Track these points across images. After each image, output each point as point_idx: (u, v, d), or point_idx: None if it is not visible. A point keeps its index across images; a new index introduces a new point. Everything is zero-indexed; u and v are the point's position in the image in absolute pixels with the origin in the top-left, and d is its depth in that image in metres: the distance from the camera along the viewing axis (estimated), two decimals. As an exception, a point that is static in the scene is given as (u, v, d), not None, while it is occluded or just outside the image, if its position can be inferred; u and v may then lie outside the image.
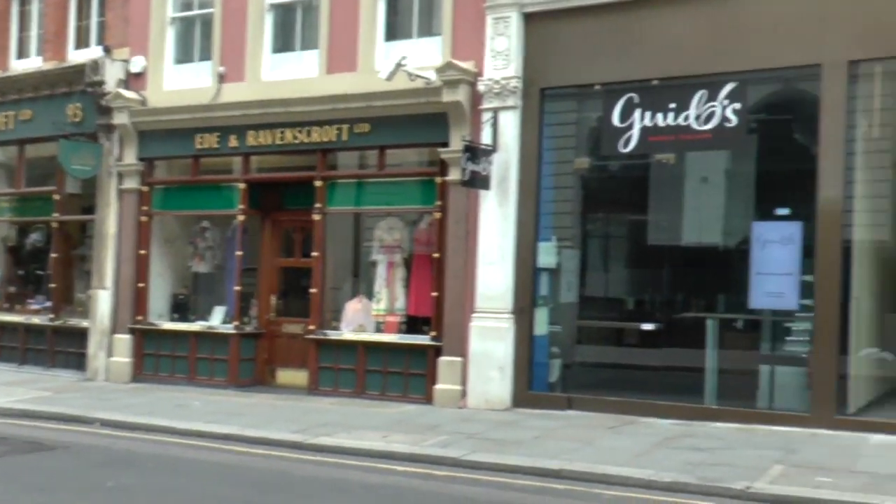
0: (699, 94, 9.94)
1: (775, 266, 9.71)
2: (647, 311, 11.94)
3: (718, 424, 9.49)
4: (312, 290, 12.30)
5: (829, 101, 9.32)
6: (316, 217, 12.27)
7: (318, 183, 12.25)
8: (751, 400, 10.04)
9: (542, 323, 10.91)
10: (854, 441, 8.69)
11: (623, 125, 10.34)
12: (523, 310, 10.73)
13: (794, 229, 9.69)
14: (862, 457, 8.11)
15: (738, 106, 9.79)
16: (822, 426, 9.12)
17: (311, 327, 12.24)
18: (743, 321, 10.68)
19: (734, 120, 9.81)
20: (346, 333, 12.16)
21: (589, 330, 11.73)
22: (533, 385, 10.75)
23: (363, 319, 12.19)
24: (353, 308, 12.32)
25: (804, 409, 9.44)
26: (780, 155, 10.62)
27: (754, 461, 7.88)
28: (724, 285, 10.96)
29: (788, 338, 10.05)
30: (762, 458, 7.97)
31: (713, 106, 9.88)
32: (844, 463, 7.84)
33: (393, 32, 12.06)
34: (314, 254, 12.34)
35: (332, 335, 12.17)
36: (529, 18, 10.78)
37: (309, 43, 12.63)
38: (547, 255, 10.95)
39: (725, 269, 11.01)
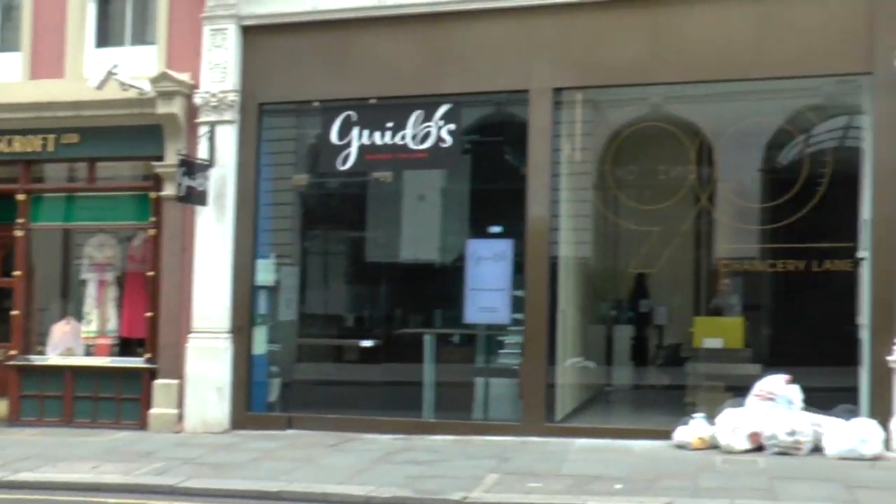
0: (416, 115, 10.17)
1: (489, 282, 10.10)
2: (366, 327, 12.08)
3: (437, 437, 9.72)
4: (14, 312, 11.44)
5: (537, 125, 9.82)
6: (18, 233, 11.42)
7: (20, 196, 11.43)
8: (467, 412, 10.38)
9: (260, 342, 10.74)
10: (561, 446, 9.17)
11: (341, 143, 10.40)
12: (242, 329, 10.52)
13: (506, 246, 10.12)
14: (567, 461, 8.56)
15: (452, 127, 10.10)
16: (533, 434, 9.55)
17: (13, 352, 11.37)
18: (459, 336, 11.03)
19: (449, 140, 10.10)
20: (53, 358, 11.41)
21: (309, 348, 11.70)
22: (252, 405, 10.56)
23: (72, 342, 11.50)
24: (61, 330, 11.60)
25: (516, 419, 9.86)
26: (493, 175, 11.09)
27: (471, 471, 8.11)
28: (441, 301, 11.29)
29: (501, 351, 10.50)
30: (478, 468, 8.22)
31: (429, 126, 10.14)
32: (552, 467, 8.25)
33: (105, 38, 11.47)
34: (16, 273, 11.47)
35: (37, 360, 11.39)
36: (247, 32, 10.61)
37: (10, 44, 11.75)
38: (265, 272, 10.81)
39: (442, 285, 11.35)
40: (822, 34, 9.14)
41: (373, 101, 10.44)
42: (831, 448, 8.47)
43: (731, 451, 8.67)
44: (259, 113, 10.66)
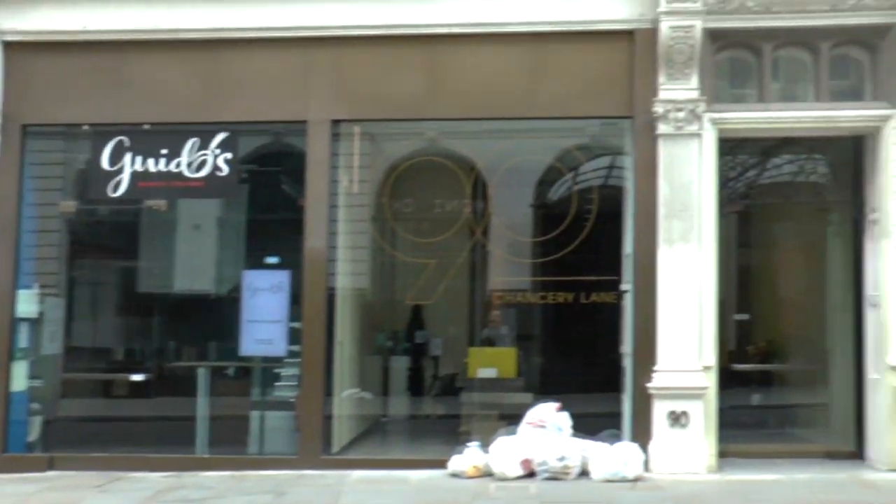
0: (191, 142, 9.95)
1: (265, 313, 9.96)
2: (137, 360, 11.64)
3: (210, 473, 9.44)
4: None
5: (315, 156, 9.83)
6: None
7: None
8: (242, 446, 10.17)
9: (20, 378, 10.06)
10: (338, 479, 9.12)
11: (113, 168, 10.01)
12: (-1, 364, 9.88)
13: (283, 277, 10.02)
14: (344, 493, 8.53)
15: (229, 156, 9.95)
16: (309, 467, 9.46)
17: None
18: (234, 369, 10.81)
19: (225, 169, 9.94)
20: None
21: (74, 383, 11.12)
22: (9, 447, 9.86)
23: None
24: None
25: (293, 452, 9.73)
26: (271, 205, 10.98)
27: (245, 508, 7.96)
28: (217, 333, 11.02)
29: (278, 383, 10.35)
30: (252, 504, 8.07)
31: (205, 154, 9.94)
32: (329, 500, 8.20)
33: None
34: None
35: None
36: (10, 48, 10.03)
37: None
38: (27, 303, 10.18)
39: (217, 317, 11.08)
40: (588, 79, 9.69)
41: (147, 127, 10.12)
42: (597, 472, 8.87)
43: (504, 478, 8.91)
44: (23, 135, 10.08)
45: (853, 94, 9.78)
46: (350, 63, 9.86)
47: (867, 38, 9.58)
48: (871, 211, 9.64)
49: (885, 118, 9.41)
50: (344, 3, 9.79)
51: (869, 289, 9.68)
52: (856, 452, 9.78)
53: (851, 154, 9.98)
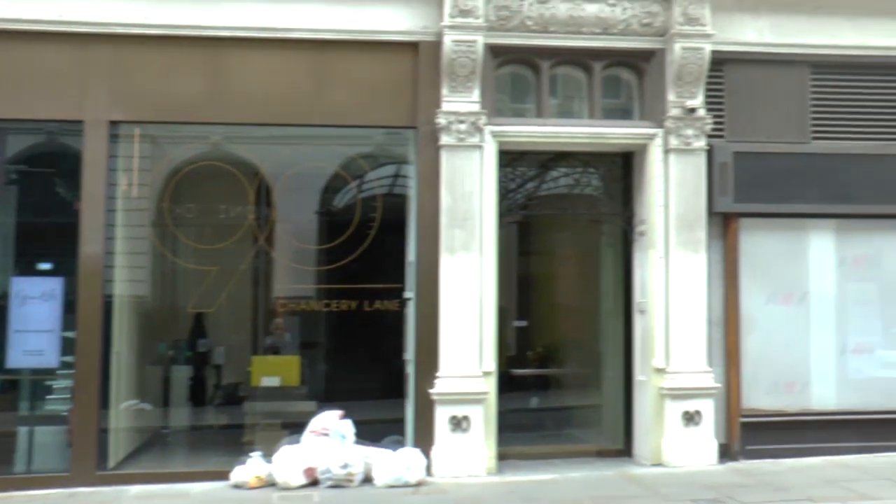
0: (-45, 139, 9.36)
1: (36, 323, 9.47)
2: None
3: (-29, 495, 8.90)
4: None
5: (91, 157, 9.45)
6: None
7: None
8: (9, 465, 9.58)
9: None
10: (114, 495, 8.81)
11: None
12: None
13: (56, 285, 9.57)
14: (121, 511, 8.27)
15: (-3, 154, 9.43)
16: (83, 484, 9.08)
17: None
18: (0, 382, 10.22)
19: (-7, 170, 9.41)
20: None
21: None
22: None
23: None
24: None
25: (65, 469, 9.29)
26: (43, 208, 10.44)
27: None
28: (-20, 345, 10.39)
29: (49, 396, 9.85)
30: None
31: (-32, 154, 9.37)
32: (103, 519, 7.91)
33: None
34: None
35: None
36: None
37: None
38: None
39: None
40: (373, 88, 9.81)
41: None
42: (380, 478, 8.98)
43: (287, 488, 8.86)
44: None
45: (623, 113, 10.38)
46: (130, 63, 9.54)
47: (635, 62, 10.19)
48: (640, 223, 10.26)
49: (651, 136, 10.04)
50: (123, 0, 9.47)
51: (637, 296, 10.29)
52: (624, 450, 10.37)
53: (622, 169, 10.57)
